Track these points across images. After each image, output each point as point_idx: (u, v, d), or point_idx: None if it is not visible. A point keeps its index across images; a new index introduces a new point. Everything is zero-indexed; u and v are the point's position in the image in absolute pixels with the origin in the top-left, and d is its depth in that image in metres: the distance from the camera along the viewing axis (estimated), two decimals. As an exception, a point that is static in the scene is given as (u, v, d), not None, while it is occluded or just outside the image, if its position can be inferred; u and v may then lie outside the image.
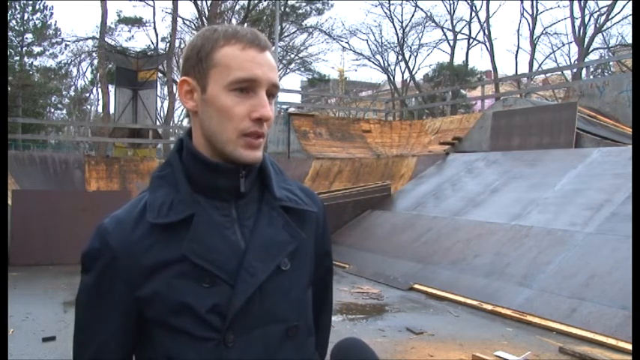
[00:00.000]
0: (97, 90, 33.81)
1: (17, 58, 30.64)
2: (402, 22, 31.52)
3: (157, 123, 24.44)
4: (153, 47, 28.81)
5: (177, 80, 1.00)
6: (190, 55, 0.95)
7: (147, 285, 0.90)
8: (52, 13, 41.96)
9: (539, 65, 28.42)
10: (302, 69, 33.26)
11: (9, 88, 23.39)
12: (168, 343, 0.91)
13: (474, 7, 29.30)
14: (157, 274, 0.90)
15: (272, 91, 0.95)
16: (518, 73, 29.02)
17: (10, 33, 28.04)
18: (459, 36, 30.66)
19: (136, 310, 0.92)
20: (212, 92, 0.92)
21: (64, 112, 39.18)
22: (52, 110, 37.67)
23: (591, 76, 22.47)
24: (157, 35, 31.15)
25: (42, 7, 32.21)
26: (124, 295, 0.91)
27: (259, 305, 0.92)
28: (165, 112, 28.53)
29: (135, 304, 0.91)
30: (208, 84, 0.93)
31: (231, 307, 0.90)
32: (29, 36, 31.96)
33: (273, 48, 23.90)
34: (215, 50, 0.93)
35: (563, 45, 36.98)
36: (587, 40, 26.13)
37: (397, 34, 31.95)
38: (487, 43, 29.08)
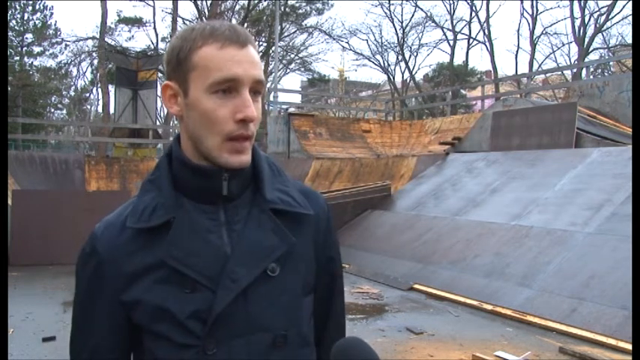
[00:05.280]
0: (97, 90, 33.94)
1: (17, 58, 30.72)
2: (402, 22, 31.63)
3: (157, 123, 24.42)
4: (153, 47, 28.84)
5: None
6: (170, 59, 0.91)
7: (130, 290, 0.90)
8: (52, 13, 42.17)
9: (539, 65, 28.47)
10: (302, 69, 33.36)
11: (9, 88, 23.39)
12: (153, 349, 0.91)
13: (474, 7, 29.37)
14: (139, 280, 0.90)
15: (257, 87, 0.90)
16: (518, 73, 29.08)
17: (10, 33, 28.06)
18: (459, 36, 30.74)
19: (124, 314, 0.92)
20: (193, 96, 0.89)
21: (64, 112, 39.30)
22: (52, 110, 37.78)
23: (591, 76, 22.47)
24: (157, 35, 31.14)
25: (42, 7, 32.35)
26: (111, 299, 0.91)
27: (243, 312, 0.89)
28: (165, 112, 28.57)
29: (122, 307, 0.91)
30: (189, 88, 0.89)
31: (211, 313, 0.87)
32: (29, 36, 32.07)
33: (273, 48, 24.05)
34: (193, 51, 0.88)
35: (563, 45, 37.13)
36: (587, 40, 26.17)
37: (397, 34, 32.05)
38: (487, 43, 29.16)
